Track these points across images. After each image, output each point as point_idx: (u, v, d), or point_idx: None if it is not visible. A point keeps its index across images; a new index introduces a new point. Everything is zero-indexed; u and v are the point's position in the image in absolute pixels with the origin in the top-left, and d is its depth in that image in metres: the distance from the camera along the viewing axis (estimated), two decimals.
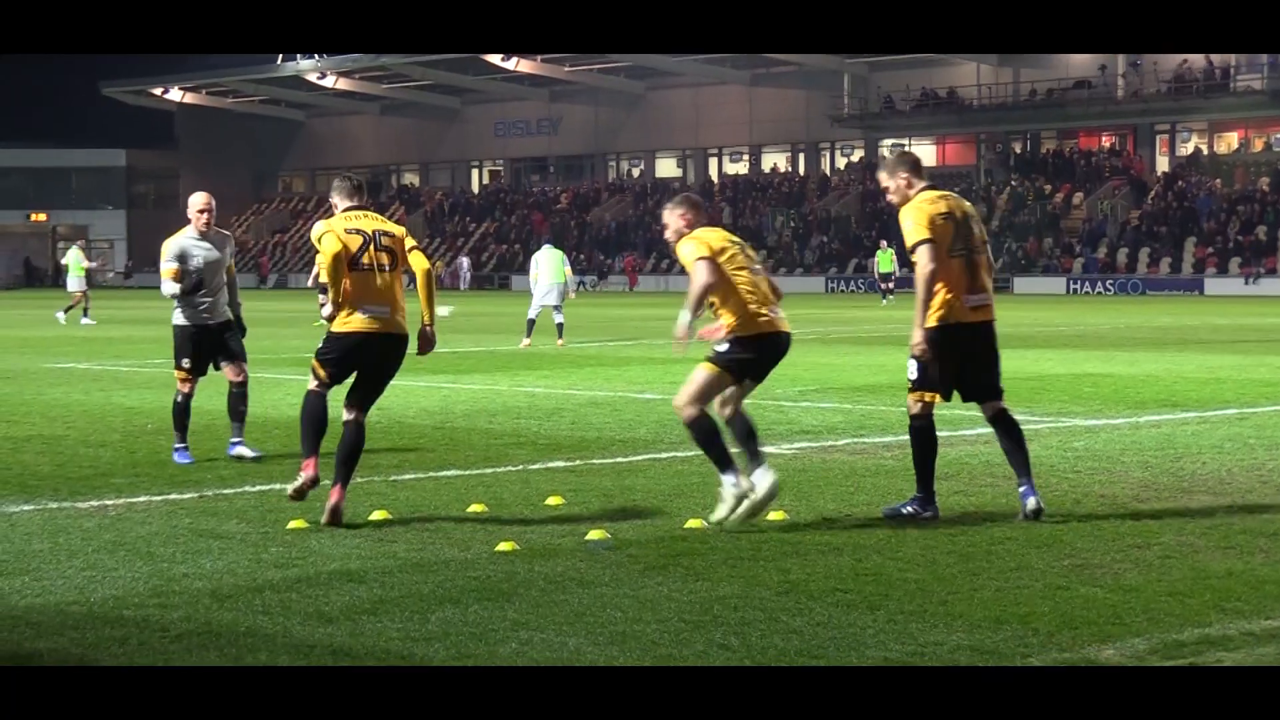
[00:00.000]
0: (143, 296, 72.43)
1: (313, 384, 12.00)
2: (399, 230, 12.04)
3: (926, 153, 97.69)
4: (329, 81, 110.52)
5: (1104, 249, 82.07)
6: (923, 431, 11.62)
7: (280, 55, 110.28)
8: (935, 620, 8.47)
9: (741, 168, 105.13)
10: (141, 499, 12.63)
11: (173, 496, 12.76)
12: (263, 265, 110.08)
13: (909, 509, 11.54)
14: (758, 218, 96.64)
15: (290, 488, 11.87)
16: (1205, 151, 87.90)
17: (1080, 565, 9.87)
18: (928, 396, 11.58)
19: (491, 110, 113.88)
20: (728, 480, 11.23)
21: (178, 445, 15.09)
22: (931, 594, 9.09)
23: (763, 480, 11.15)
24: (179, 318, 15.28)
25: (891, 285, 62.40)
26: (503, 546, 10.44)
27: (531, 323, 33.74)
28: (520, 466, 14.43)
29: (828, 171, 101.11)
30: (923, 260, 11.34)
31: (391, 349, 11.89)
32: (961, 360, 11.60)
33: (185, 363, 15.25)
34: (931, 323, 11.42)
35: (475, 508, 12.00)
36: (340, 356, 11.85)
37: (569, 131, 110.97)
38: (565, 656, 7.80)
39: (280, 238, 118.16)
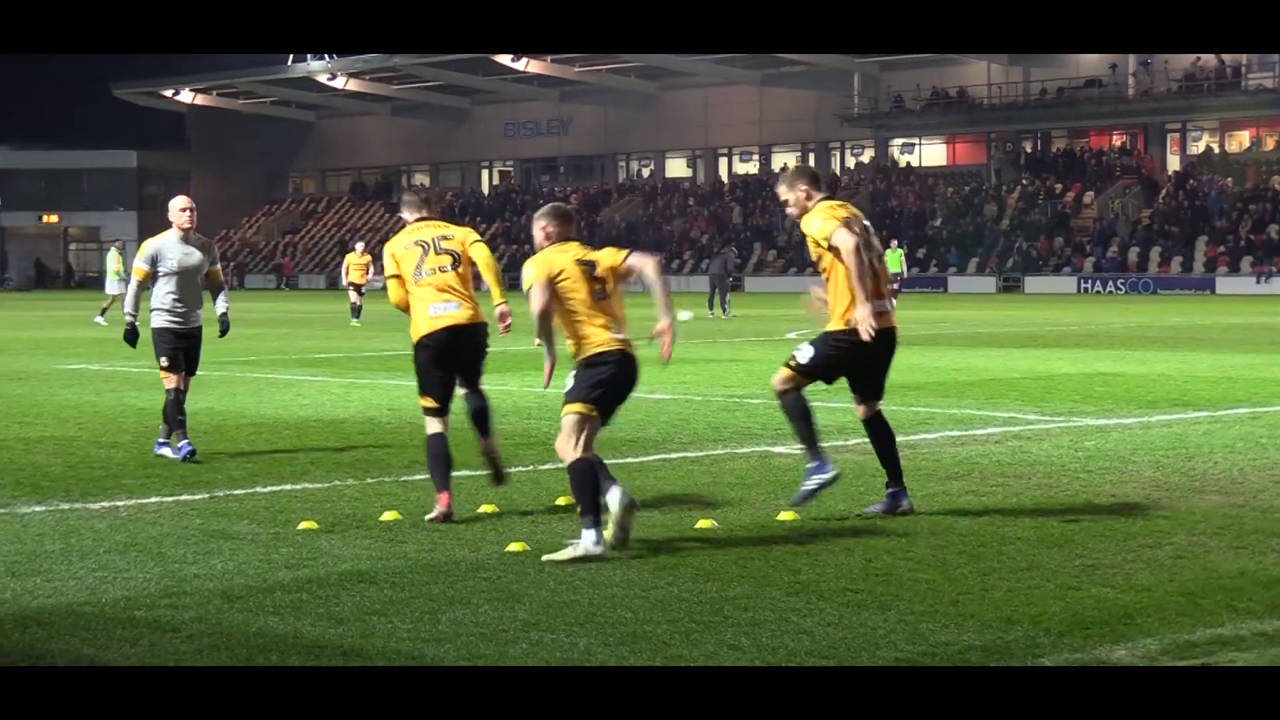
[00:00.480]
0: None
1: (431, 426, 11.93)
2: (459, 231, 12.37)
3: (936, 152, 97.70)
4: (339, 82, 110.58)
5: (1115, 248, 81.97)
6: (796, 403, 11.66)
7: (291, 57, 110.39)
8: (946, 620, 8.46)
9: (751, 167, 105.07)
10: (153, 500, 12.64)
11: (184, 497, 12.77)
12: (285, 266, 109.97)
13: (813, 483, 11.55)
14: (768, 217, 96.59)
15: (429, 516, 11.63)
16: (1216, 150, 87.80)
17: (1092, 565, 9.86)
18: (806, 380, 11.67)
19: (502, 111, 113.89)
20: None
21: (160, 441, 15.19)
22: (943, 594, 9.08)
23: (612, 497, 10.67)
24: (154, 320, 15.24)
25: (898, 285, 62.24)
26: (513, 547, 10.45)
27: None
28: (530, 467, 14.42)
29: (838, 171, 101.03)
30: (845, 241, 11.34)
31: (469, 335, 12.17)
32: (861, 361, 11.68)
33: (164, 360, 15.19)
34: (841, 325, 11.50)
35: (486, 508, 12.00)
36: (430, 360, 12.02)
37: (579, 132, 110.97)
38: (576, 657, 7.80)
39: (291, 238, 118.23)
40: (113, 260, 48.00)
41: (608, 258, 11.01)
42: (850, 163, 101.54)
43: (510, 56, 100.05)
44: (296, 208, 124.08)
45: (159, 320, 15.19)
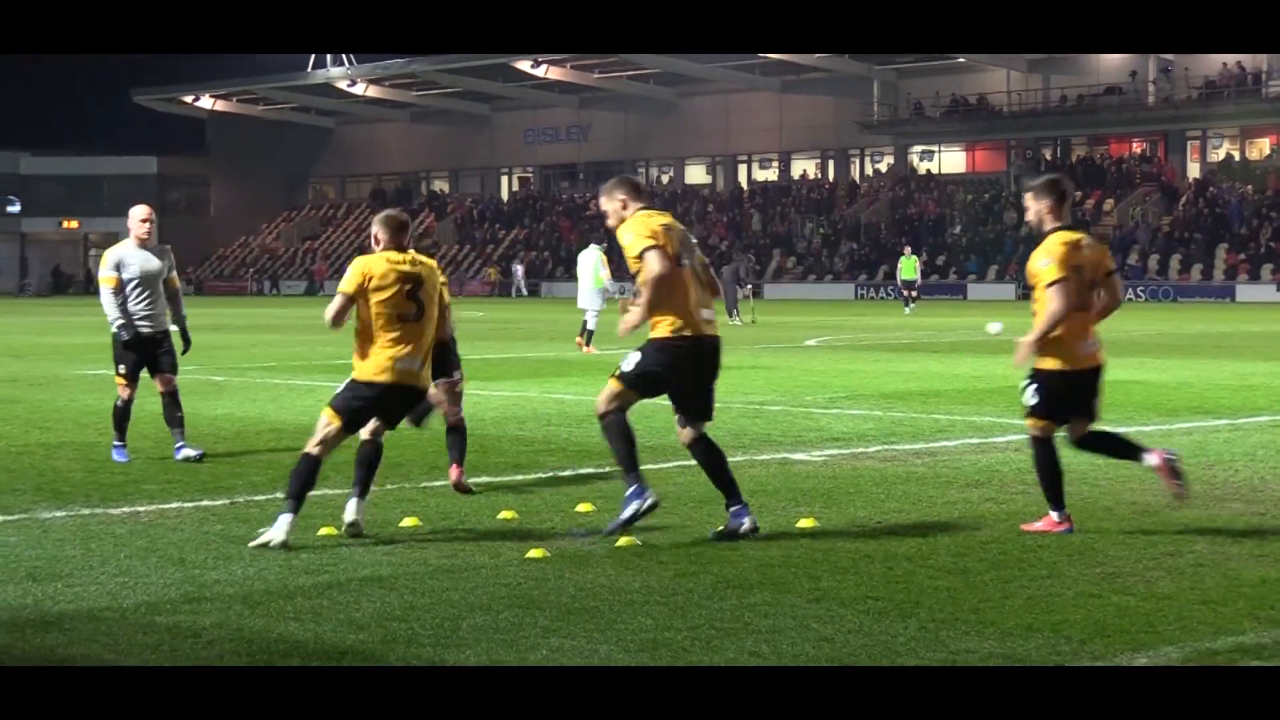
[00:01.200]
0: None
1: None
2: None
3: (956, 159, 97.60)
4: (359, 89, 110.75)
5: (1135, 255, 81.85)
6: (617, 423, 11.20)
7: (311, 63, 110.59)
8: (967, 628, 8.45)
9: (771, 174, 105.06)
10: (173, 505, 12.66)
11: (204, 503, 12.78)
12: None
13: (629, 510, 11.05)
14: (787, 224, 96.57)
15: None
16: (1236, 157, 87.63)
17: (1112, 573, 9.85)
18: (628, 396, 11.21)
19: (521, 117, 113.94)
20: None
21: (116, 444, 15.49)
22: (963, 602, 9.07)
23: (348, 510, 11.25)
24: (117, 327, 15.53)
25: (915, 293, 62.16)
26: (533, 553, 10.45)
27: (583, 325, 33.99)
28: (550, 473, 14.43)
29: (857, 178, 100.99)
30: (651, 265, 10.92)
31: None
32: (685, 374, 11.21)
33: (122, 369, 15.58)
34: (666, 333, 11.04)
35: (506, 514, 12.01)
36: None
37: (599, 138, 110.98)
38: (596, 663, 7.80)
39: (310, 245, 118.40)
40: None
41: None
42: (870, 170, 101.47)
43: (530, 63, 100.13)
44: (316, 214, 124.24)
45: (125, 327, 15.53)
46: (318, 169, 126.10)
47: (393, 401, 11.19)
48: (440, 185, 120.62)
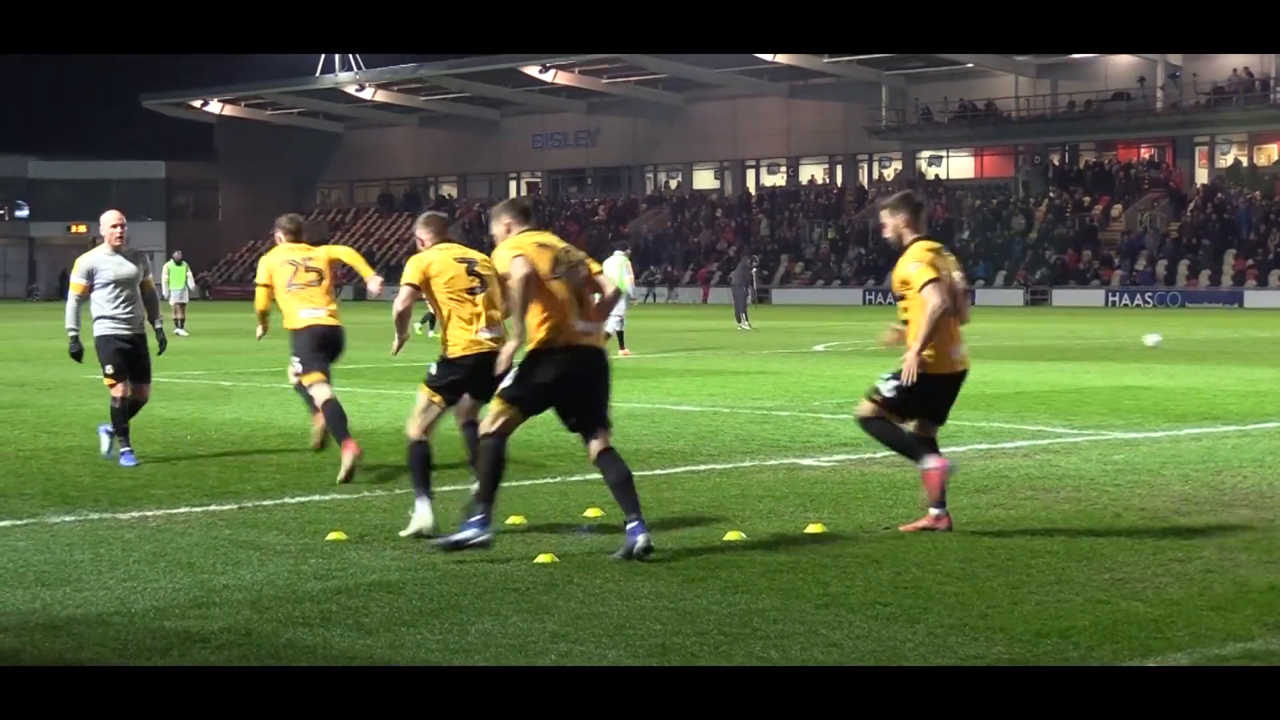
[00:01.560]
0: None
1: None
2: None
3: (964, 165, 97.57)
4: (367, 93, 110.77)
5: (1143, 261, 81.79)
6: (495, 448, 10.94)
7: (319, 67, 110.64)
8: (975, 634, 8.45)
9: (779, 179, 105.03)
10: (181, 510, 12.68)
11: (212, 508, 12.79)
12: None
13: (468, 533, 10.67)
14: (795, 229, 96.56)
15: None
16: (1245, 163, 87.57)
17: (1121, 579, 9.84)
18: (511, 412, 10.98)
19: (530, 122, 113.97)
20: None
21: (123, 450, 15.56)
22: (971, 607, 9.07)
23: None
24: (99, 329, 15.68)
25: None
26: (542, 558, 10.45)
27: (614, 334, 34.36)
28: (559, 478, 14.43)
29: (865, 184, 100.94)
30: (515, 274, 10.88)
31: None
32: (564, 385, 11.00)
33: (109, 369, 15.64)
34: (539, 345, 10.95)
35: (514, 519, 12.01)
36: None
37: (607, 143, 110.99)
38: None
39: None
40: (172, 270, 48.12)
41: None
42: (878, 175, 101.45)
43: (538, 68, 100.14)
44: (324, 218, 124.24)
45: (103, 329, 15.66)
46: (326, 174, 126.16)
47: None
48: (448, 190, 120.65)
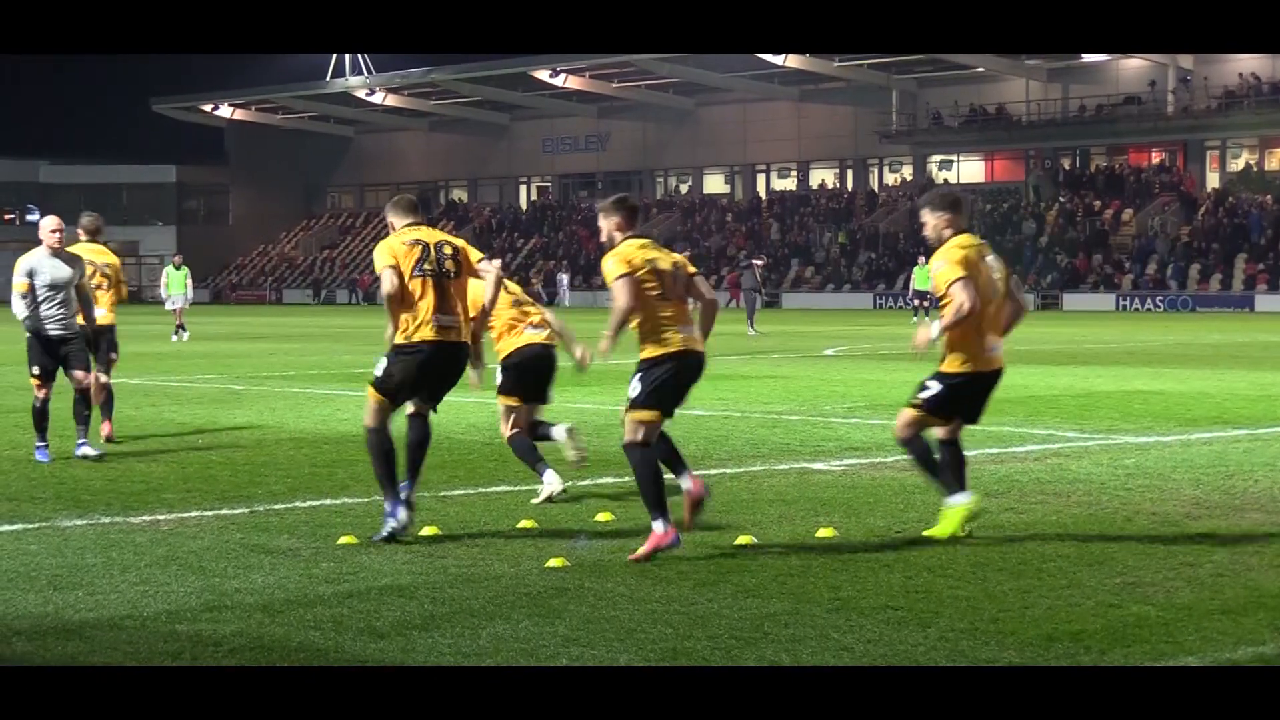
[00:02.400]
0: (193, 312, 72.70)
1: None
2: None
3: (975, 169, 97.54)
4: (378, 98, 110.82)
5: (1154, 265, 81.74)
6: (376, 441, 11.72)
7: (329, 72, 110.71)
8: (987, 638, 8.45)
9: (789, 184, 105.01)
10: (193, 514, 12.69)
11: (224, 512, 12.81)
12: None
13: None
14: (805, 234, 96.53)
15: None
16: (1256, 167, 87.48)
17: (1132, 583, 9.84)
18: (387, 405, 11.74)
19: (540, 126, 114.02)
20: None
21: (39, 444, 16.17)
22: (982, 611, 9.07)
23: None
24: (32, 331, 16.28)
25: (928, 303, 61.84)
26: (553, 562, 10.46)
27: None
28: (569, 482, 14.42)
29: (876, 188, 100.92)
30: (383, 282, 11.62)
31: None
32: (424, 376, 11.71)
33: (35, 370, 16.32)
34: (401, 340, 11.62)
35: (525, 523, 12.02)
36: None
37: (617, 148, 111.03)
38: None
39: (329, 253, 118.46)
40: (171, 275, 47.85)
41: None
42: (888, 179, 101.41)
43: (549, 72, 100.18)
44: (334, 223, 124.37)
45: (35, 330, 16.23)
46: (336, 178, 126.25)
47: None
48: (459, 194, 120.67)
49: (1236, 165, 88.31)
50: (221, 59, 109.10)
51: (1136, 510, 12.71)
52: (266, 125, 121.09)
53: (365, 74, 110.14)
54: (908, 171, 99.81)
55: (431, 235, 11.88)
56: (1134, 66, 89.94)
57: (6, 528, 12.03)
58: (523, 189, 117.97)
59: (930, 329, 11.60)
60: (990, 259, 11.82)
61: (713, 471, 15.17)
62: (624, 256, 11.15)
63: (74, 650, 8.26)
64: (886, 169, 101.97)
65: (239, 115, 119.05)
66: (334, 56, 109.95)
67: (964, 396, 11.73)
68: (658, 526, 10.71)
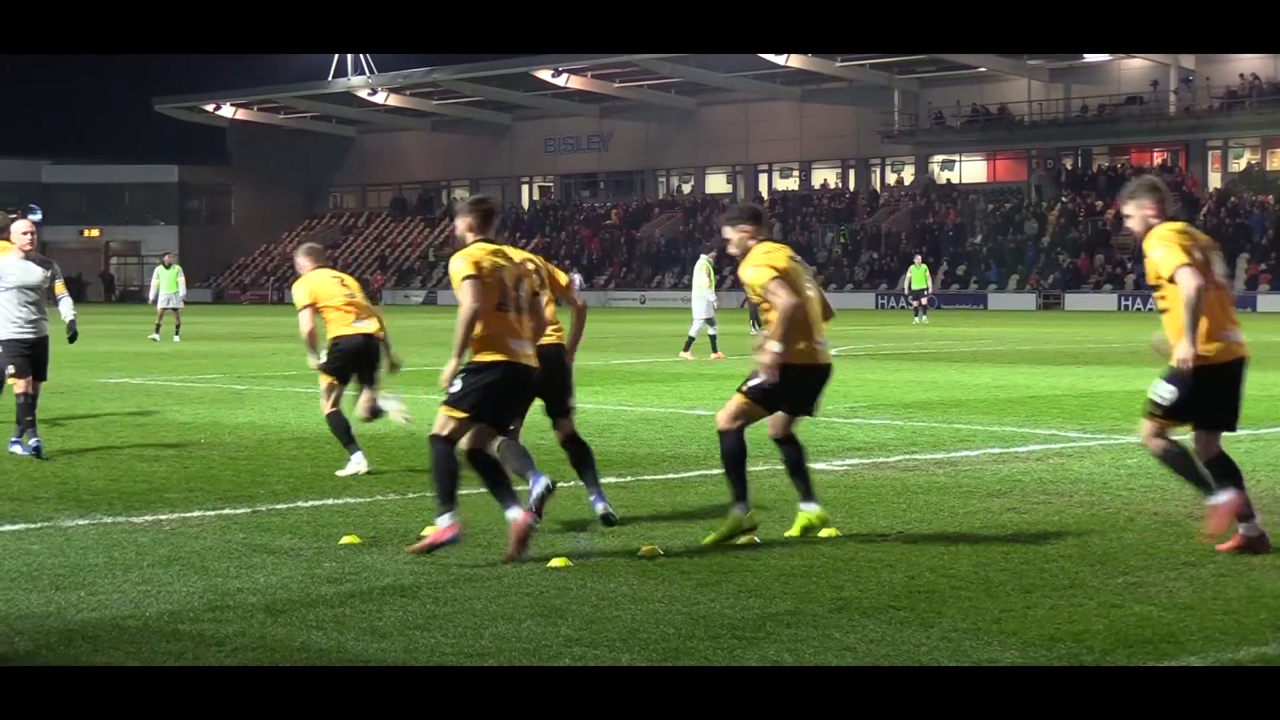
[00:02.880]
0: (194, 312, 72.65)
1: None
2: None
3: (977, 169, 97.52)
4: (380, 98, 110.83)
5: None
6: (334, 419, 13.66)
7: (331, 72, 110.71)
8: (989, 638, 8.45)
9: (792, 183, 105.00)
10: (195, 514, 12.69)
11: (226, 511, 12.81)
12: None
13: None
14: (808, 234, 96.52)
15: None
16: (1257, 167, 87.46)
17: (1134, 583, 9.84)
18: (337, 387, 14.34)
19: (542, 126, 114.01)
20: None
21: (13, 440, 16.57)
22: (985, 611, 9.07)
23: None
24: (1, 332, 16.59)
25: (924, 302, 61.83)
26: (555, 563, 10.46)
27: (701, 339, 34.89)
28: (572, 483, 14.39)
29: (878, 188, 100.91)
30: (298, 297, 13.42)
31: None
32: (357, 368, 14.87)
33: (11, 368, 16.66)
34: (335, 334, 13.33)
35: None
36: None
37: (619, 147, 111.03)
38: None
39: (331, 253, 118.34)
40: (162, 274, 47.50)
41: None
42: (891, 179, 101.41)
43: (551, 72, 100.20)
44: (337, 223, 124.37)
45: (6, 332, 16.55)
46: (338, 178, 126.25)
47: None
48: (461, 194, 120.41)
49: (1238, 165, 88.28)
50: (224, 59, 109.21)
51: (1139, 510, 12.71)
52: (269, 125, 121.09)
53: (367, 74, 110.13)
54: (910, 172, 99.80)
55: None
56: (1136, 66, 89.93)
57: (9, 527, 12.04)
58: (525, 189, 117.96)
59: (769, 344, 11.34)
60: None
61: (715, 471, 15.15)
62: (472, 258, 11.00)
63: (76, 650, 8.26)
64: (889, 169, 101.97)
65: (241, 115, 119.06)
66: (336, 56, 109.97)
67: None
68: (443, 520, 10.74)
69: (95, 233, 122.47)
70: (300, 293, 15.64)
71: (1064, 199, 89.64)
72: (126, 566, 10.45)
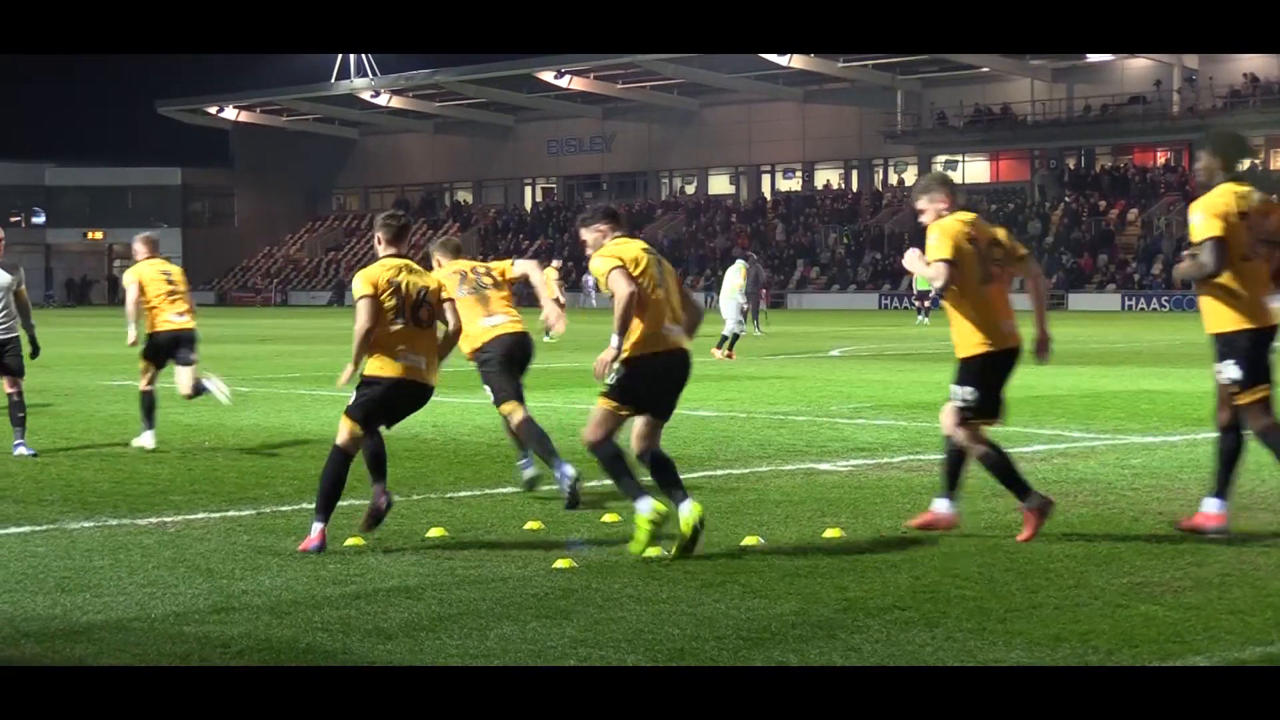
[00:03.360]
0: (199, 314, 72.73)
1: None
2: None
3: (980, 169, 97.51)
4: (383, 99, 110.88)
5: (1159, 265, 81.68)
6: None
7: (334, 74, 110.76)
8: (994, 638, 8.45)
9: (794, 184, 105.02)
10: (200, 516, 12.70)
11: (231, 513, 12.82)
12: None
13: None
14: (810, 234, 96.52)
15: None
16: (1261, 167, 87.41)
17: (1140, 583, 9.83)
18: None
19: (545, 128, 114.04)
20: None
21: (18, 440, 17.01)
22: (990, 612, 9.07)
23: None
24: None
25: (928, 303, 61.73)
26: (560, 563, 10.46)
27: (732, 337, 35.46)
28: (579, 479, 14.42)
29: (880, 188, 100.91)
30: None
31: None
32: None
33: None
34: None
35: (532, 525, 12.02)
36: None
37: (622, 149, 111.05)
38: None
39: (334, 255, 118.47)
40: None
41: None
42: (893, 179, 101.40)
43: (553, 73, 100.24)
44: (340, 224, 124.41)
45: None
46: (341, 180, 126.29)
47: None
48: (464, 196, 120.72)
49: (1242, 165, 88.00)
50: (226, 61, 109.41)
51: (1144, 510, 12.70)
52: (271, 127, 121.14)
53: (370, 76, 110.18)
54: (913, 172, 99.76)
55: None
56: (1139, 66, 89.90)
57: (14, 530, 12.05)
58: (528, 190, 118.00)
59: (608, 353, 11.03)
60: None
61: (719, 472, 15.18)
62: (370, 278, 11.38)
63: (82, 652, 8.27)
64: (891, 169, 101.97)
65: (244, 117, 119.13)
66: (339, 58, 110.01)
67: (642, 380, 11.00)
68: (316, 528, 11.14)
69: (99, 235, 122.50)
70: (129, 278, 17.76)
71: (1067, 199, 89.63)
72: (131, 568, 10.45)
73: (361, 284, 11.33)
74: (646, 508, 10.75)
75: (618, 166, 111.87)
